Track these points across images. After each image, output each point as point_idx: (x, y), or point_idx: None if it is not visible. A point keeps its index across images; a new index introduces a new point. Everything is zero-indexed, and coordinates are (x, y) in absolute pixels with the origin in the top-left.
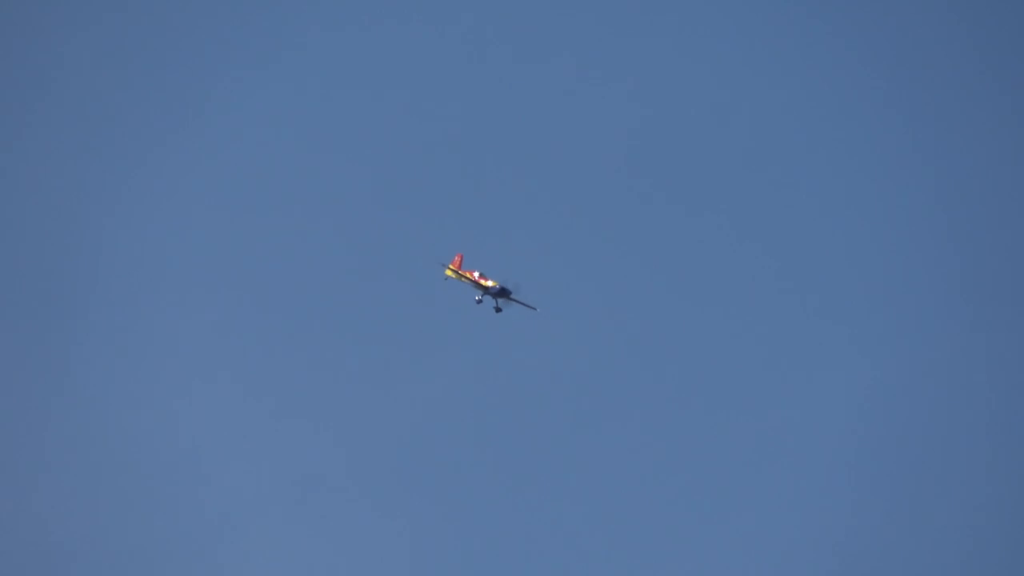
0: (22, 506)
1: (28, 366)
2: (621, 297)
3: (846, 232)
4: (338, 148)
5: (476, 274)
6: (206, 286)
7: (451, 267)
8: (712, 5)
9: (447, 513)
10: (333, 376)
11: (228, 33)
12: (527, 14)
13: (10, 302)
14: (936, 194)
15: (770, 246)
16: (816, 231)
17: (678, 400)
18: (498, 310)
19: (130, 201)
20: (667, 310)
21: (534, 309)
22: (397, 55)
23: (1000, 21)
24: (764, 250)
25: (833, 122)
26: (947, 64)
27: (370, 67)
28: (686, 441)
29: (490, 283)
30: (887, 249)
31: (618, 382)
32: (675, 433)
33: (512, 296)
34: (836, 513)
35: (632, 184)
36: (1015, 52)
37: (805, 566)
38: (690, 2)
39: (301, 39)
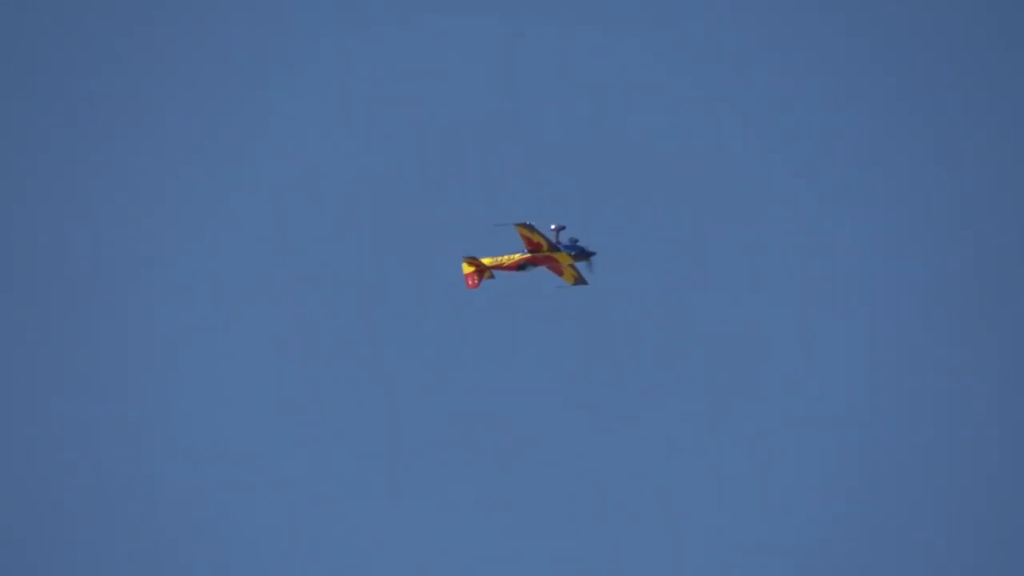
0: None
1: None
2: (619, 289)
3: (847, 229)
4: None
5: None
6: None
7: (473, 265)
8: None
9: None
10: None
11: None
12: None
13: (10, 304)
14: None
15: (768, 241)
16: (814, 228)
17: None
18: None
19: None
20: (663, 304)
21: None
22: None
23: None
24: (762, 242)
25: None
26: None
27: (377, 67)
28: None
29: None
30: (885, 245)
31: (613, 374)
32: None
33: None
34: (830, 507)
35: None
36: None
37: (800, 561)
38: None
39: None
